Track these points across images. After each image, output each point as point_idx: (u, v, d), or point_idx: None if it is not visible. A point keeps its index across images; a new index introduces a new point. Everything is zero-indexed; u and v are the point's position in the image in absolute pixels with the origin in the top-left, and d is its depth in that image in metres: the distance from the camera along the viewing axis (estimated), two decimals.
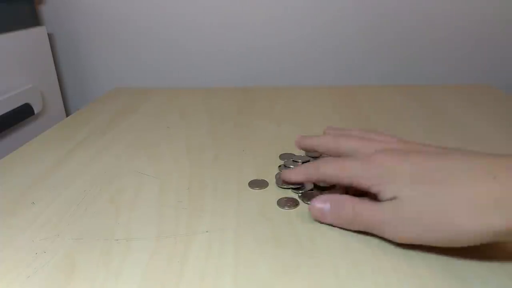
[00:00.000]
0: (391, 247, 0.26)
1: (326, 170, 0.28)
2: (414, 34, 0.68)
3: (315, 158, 0.39)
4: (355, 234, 0.28)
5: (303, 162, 0.37)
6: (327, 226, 0.28)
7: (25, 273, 0.25)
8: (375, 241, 0.27)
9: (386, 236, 0.26)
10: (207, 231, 0.29)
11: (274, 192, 0.33)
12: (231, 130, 0.47)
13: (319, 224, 0.29)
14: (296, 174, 0.31)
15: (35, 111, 0.62)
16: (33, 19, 0.66)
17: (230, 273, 0.25)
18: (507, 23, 0.66)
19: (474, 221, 0.22)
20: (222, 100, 0.59)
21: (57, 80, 0.70)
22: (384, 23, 0.68)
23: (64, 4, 0.72)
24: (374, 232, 0.26)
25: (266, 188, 0.34)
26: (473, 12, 0.66)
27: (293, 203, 0.31)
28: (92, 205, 0.33)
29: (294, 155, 0.40)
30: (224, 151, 0.42)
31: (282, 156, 0.39)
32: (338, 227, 0.28)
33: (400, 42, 0.69)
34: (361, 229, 0.27)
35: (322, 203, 0.28)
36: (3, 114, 0.55)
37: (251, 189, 0.34)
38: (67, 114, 0.76)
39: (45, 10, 0.73)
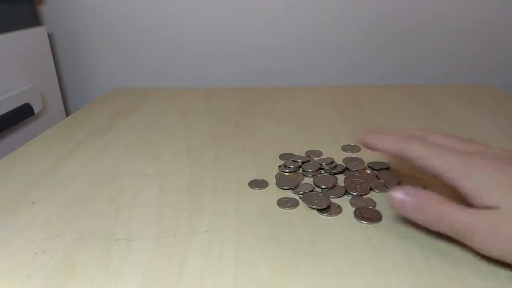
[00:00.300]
0: (391, 247, 0.26)
1: (421, 151, 0.25)
2: (414, 34, 0.68)
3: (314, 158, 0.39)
4: (355, 234, 0.28)
5: (303, 163, 0.37)
6: (327, 226, 0.28)
7: (25, 273, 0.25)
8: (375, 241, 0.27)
9: (475, 246, 0.23)
10: (207, 231, 0.29)
11: (274, 192, 0.33)
12: (231, 130, 0.47)
13: (319, 224, 0.29)
14: (385, 142, 0.27)
15: (35, 111, 0.62)
16: (33, 19, 0.66)
17: (230, 273, 0.24)
18: (508, 22, 0.66)
19: None
20: (222, 100, 0.59)
21: (57, 80, 0.70)
22: (384, 23, 0.68)
23: (64, 4, 0.72)
24: (460, 238, 0.23)
25: (266, 188, 0.34)
26: (474, 12, 0.66)
27: (293, 203, 0.31)
28: (92, 205, 0.33)
29: (294, 155, 0.40)
30: (224, 151, 0.42)
31: (282, 156, 0.39)
32: (421, 224, 0.25)
33: (400, 42, 0.69)
34: (446, 232, 0.24)
35: (404, 195, 0.24)
36: (3, 114, 0.55)
37: (251, 189, 0.34)
38: (67, 114, 0.76)
39: (45, 10, 0.73)
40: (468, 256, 0.25)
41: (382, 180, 0.34)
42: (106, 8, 0.72)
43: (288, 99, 0.58)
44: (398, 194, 0.25)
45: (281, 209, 0.31)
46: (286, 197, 0.32)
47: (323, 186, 0.33)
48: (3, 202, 0.34)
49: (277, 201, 0.32)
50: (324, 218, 0.30)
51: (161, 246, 0.27)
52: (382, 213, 0.30)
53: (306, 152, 0.40)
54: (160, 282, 0.24)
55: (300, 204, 0.31)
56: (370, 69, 0.71)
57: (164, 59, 0.74)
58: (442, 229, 0.24)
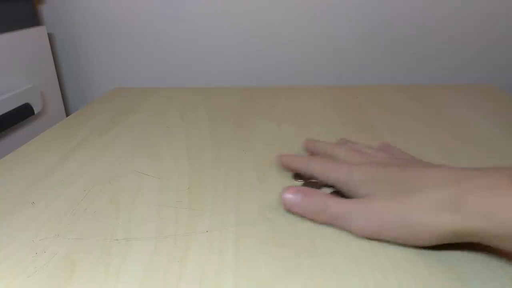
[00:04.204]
0: (392, 247, 0.26)
1: (315, 167, 0.32)
2: (414, 33, 0.68)
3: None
4: (354, 234, 0.28)
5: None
6: (327, 226, 0.29)
7: (25, 273, 0.25)
8: (375, 241, 0.27)
9: (351, 228, 0.27)
10: (207, 231, 0.29)
11: (274, 192, 0.33)
12: (231, 130, 0.47)
13: (319, 224, 0.29)
14: (290, 161, 0.34)
15: (35, 111, 0.62)
16: (33, 19, 0.66)
17: (230, 273, 0.25)
18: (511, 22, 0.66)
19: (430, 220, 0.24)
20: (222, 100, 0.59)
21: (57, 80, 0.70)
22: (384, 23, 0.68)
23: (64, 4, 0.72)
24: (340, 223, 0.28)
25: (268, 187, 0.34)
26: (475, 11, 0.66)
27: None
28: (92, 205, 0.33)
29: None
30: (224, 151, 0.42)
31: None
32: (308, 220, 0.29)
33: (401, 42, 0.69)
34: (329, 220, 0.28)
35: (293, 193, 0.29)
36: (3, 114, 0.55)
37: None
38: (67, 114, 0.76)
39: (45, 10, 0.73)
40: (468, 256, 0.25)
41: None
42: (106, 8, 0.72)
43: (288, 99, 0.58)
44: (288, 193, 0.30)
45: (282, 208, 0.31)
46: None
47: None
48: (3, 202, 0.34)
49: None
50: None
51: (161, 246, 0.27)
52: None
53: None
54: (160, 282, 0.24)
55: None
56: (370, 69, 0.71)
57: (164, 59, 0.74)
58: (326, 218, 0.28)
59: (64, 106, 0.73)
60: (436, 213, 0.24)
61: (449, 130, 0.45)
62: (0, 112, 0.55)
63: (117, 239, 0.28)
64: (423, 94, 0.58)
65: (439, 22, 0.67)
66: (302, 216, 0.29)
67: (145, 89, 0.66)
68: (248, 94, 0.61)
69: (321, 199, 0.29)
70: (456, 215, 0.23)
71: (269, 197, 0.33)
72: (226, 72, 0.74)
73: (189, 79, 0.75)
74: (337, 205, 0.28)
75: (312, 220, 0.29)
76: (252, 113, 0.53)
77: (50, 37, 0.74)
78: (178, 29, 0.72)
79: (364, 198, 0.28)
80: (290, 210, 0.30)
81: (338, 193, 0.31)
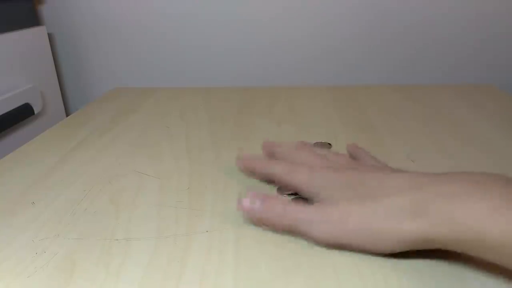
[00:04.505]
0: None
1: (275, 170, 0.31)
2: (414, 33, 0.68)
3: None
4: None
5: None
6: None
7: (25, 273, 0.25)
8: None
9: (312, 235, 0.26)
10: (207, 231, 0.29)
11: (274, 192, 0.33)
12: (231, 130, 0.47)
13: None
14: (250, 162, 0.33)
15: (35, 111, 0.62)
16: (33, 19, 0.66)
17: (230, 273, 0.25)
18: (511, 22, 0.66)
19: (391, 227, 0.24)
20: (222, 100, 0.59)
21: (57, 80, 0.70)
22: (384, 22, 0.68)
23: (64, 4, 0.72)
24: (301, 230, 0.27)
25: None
26: (475, 12, 0.66)
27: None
28: (92, 205, 0.33)
29: None
30: (224, 151, 0.42)
31: None
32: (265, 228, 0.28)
33: (401, 41, 0.69)
34: (288, 227, 0.27)
35: (252, 199, 0.28)
36: (3, 114, 0.55)
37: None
38: (67, 114, 0.76)
39: (45, 10, 0.73)
40: (467, 257, 0.25)
41: None
42: (106, 8, 0.72)
43: (288, 99, 0.58)
44: (244, 201, 0.28)
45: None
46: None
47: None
48: (3, 202, 0.34)
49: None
50: None
51: (161, 246, 0.27)
52: None
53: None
54: (160, 282, 0.24)
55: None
56: (370, 69, 0.71)
57: (164, 59, 0.74)
58: (286, 224, 0.27)
59: (64, 106, 0.73)
60: (398, 220, 0.23)
61: (449, 130, 0.45)
62: (0, 112, 0.55)
63: (117, 239, 0.28)
64: (423, 94, 0.58)
65: (439, 22, 0.67)
66: (262, 224, 0.28)
67: (145, 89, 0.66)
68: (248, 94, 0.61)
69: (281, 205, 0.27)
70: (418, 221, 0.23)
71: None
72: (226, 72, 0.74)
73: (189, 79, 0.75)
74: (297, 211, 0.27)
75: (273, 228, 0.28)
76: (252, 113, 0.53)
77: (50, 37, 0.74)
78: (178, 29, 0.72)
79: (325, 204, 0.27)
80: (249, 217, 0.29)
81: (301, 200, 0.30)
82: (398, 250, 0.24)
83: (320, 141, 0.43)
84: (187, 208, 0.31)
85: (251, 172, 0.34)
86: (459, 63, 0.70)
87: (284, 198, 0.29)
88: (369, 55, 0.71)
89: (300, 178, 0.29)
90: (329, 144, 0.42)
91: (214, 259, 0.26)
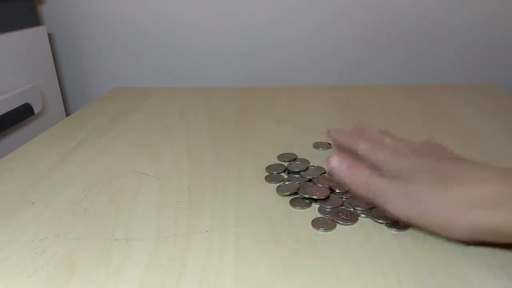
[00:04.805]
0: (392, 247, 0.26)
1: (362, 145, 0.32)
2: (415, 33, 0.68)
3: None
4: (355, 234, 0.28)
5: (300, 171, 0.36)
6: (327, 227, 0.28)
7: (25, 273, 0.25)
8: (375, 241, 0.27)
9: (388, 206, 0.27)
10: (207, 231, 0.29)
11: (274, 192, 0.33)
12: (231, 130, 0.47)
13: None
14: (340, 136, 0.35)
15: (35, 111, 0.62)
16: (33, 19, 0.66)
17: (230, 273, 0.25)
18: (511, 22, 0.66)
19: (464, 216, 0.24)
20: (222, 100, 0.59)
21: (57, 80, 0.70)
22: (385, 22, 0.68)
23: (64, 4, 0.72)
24: (379, 200, 0.27)
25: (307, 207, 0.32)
26: (475, 12, 0.66)
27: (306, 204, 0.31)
28: (92, 205, 0.33)
29: (294, 154, 0.39)
30: (224, 151, 0.42)
31: (280, 157, 0.39)
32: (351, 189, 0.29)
33: (401, 41, 0.69)
34: (368, 193, 0.28)
35: (341, 158, 0.30)
36: (3, 114, 0.55)
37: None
38: (67, 114, 0.76)
39: (45, 10, 0.73)
40: (468, 256, 0.25)
41: None
42: (106, 9, 0.72)
43: (288, 99, 0.58)
44: (334, 157, 0.30)
45: (292, 208, 0.31)
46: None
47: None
48: (3, 202, 0.34)
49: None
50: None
51: (161, 246, 0.27)
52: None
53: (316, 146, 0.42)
54: (160, 282, 0.24)
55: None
56: (370, 69, 0.71)
57: (164, 59, 0.74)
58: (367, 190, 0.28)
59: (64, 106, 0.73)
60: (473, 209, 0.24)
61: (449, 130, 0.45)
62: (0, 112, 0.55)
63: (117, 239, 0.28)
64: (423, 94, 0.58)
65: (439, 22, 0.67)
66: (346, 184, 0.30)
67: (145, 89, 0.66)
68: (248, 94, 0.61)
69: (365, 173, 0.29)
70: (494, 213, 0.23)
71: (269, 197, 0.33)
72: (226, 72, 0.74)
73: (189, 79, 0.75)
74: (379, 181, 0.28)
75: (352, 189, 0.29)
76: (252, 113, 0.53)
77: (50, 37, 0.74)
78: (178, 29, 0.72)
79: (407, 182, 0.27)
80: (335, 172, 0.30)
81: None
82: (467, 239, 0.25)
83: (320, 141, 0.43)
84: (187, 208, 0.31)
85: (338, 143, 0.36)
86: (460, 63, 0.70)
87: (367, 168, 0.29)
88: (370, 55, 0.70)
89: (384, 155, 0.30)
90: (329, 144, 0.42)
91: (214, 259, 0.26)
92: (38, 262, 0.26)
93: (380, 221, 0.29)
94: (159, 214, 0.31)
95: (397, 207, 0.27)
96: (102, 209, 0.32)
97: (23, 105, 0.59)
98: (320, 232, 0.28)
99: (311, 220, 0.29)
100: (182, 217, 0.30)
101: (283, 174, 0.36)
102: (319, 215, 0.30)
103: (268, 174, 0.36)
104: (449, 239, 0.26)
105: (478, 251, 0.26)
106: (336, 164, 0.30)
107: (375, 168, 0.30)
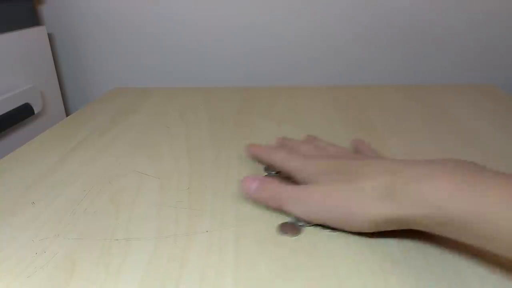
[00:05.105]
0: (392, 248, 0.26)
1: (276, 158, 0.34)
2: (415, 33, 0.68)
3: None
4: (355, 234, 0.28)
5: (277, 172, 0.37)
6: (326, 227, 0.28)
7: (25, 273, 0.25)
8: (375, 241, 0.27)
9: (296, 212, 0.29)
10: (207, 231, 0.29)
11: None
12: (231, 130, 0.47)
13: (319, 224, 0.29)
14: (257, 150, 0.37)
15: (35, 111, 0.62)
16: (33, 19, 0.66)
17: (230, 273, 0.25)
18: (511, 22, 0.66)
19: (367, 207, 0.26)
20: (222, 100, 0.59)
21: (57, 80, 0.70)
22: (385, 22, 0.68)
23: (64, 4, 0.72)
24: (287, 208, 0.29)
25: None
26: (475, 12, 0.66)
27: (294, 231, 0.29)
28: (92, 205, 0.33)
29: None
30: (224, 151, 0.42)
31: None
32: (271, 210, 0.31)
33: (401, 41, 0.69)
34: (278, 206, 0.30)
35: (250, 181, 0.31)
36: (3, 114, 0.55)
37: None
38: (67, 114, 0.76)
39: (45, 10, 0.73)
40: (468, 256, 0.25)
41: None
42: (106, 9, 0.72)
43: (288, 99, 0.58)
44: (245, 181, 0.32)
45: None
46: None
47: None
48: (3, 202, 0.34)
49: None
50: None
51: (161, 246, 0.27)
52: None
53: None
54: (160, 282, 0.24)
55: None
56: (370, 69, 0.71)
57: (164, 59, 0.74)
58: (276, 203, 0.30)
59: (64, 106, 0.73)
60: (374, 200, 0.25)
61: (450, 130, 0.45)
62: (0, 112, 0.55)
63: (117, 239, 0.28)
64: (423, 94, 0.58)
65: (439, 22, 0.67)
66: (258, 202, 0.31)
67: (145, 89, 0.66)
68: (248, 94, 0.61)
69: (273, 187, 0.30)
70: (393, 202, 0.24)
71: None
72: (226, 72, 0.74)
73: (189, 79, 0.75)
74: (285, 191, 0.30)
75: (267, 206, 0.31)
76: (252, 113, 0.53)
77: (50, 37, 0.74)
78: (178, 29, 0.72)
79: (311, 185, 0.29)
80: (247, 196, 0.32)
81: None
82: (369, 230, 0.26)
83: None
84: (187, 208, 0.31)
85: (255, 158, 0.38)
86: (460, 63, 0.70)
87: (277, 180, 0.31)
88: (370, 55, 0.71)
89: (294, 165, 0.32)
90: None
91: (214, 259, 0.26)
92: (38, 262, 0.26)
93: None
94: (159, 214, 0.31)
95: (304, 209, 0.28)
96: (102, 209, 0.32)
97: (23, 105, 0.59)
98: (298, 236, 0.28)
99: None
100: (182, 217, 0.30)
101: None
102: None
103: (266, 174, 0.36)
104: (353, 231, 0.27)
105: (478, 251, 0.26)
106: (246, 187, 0.31)
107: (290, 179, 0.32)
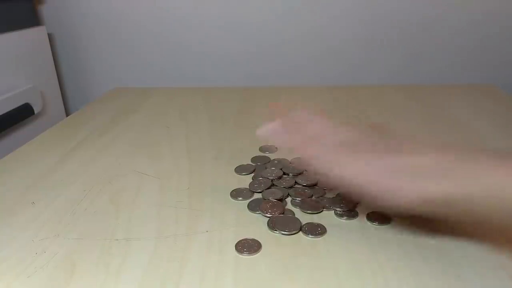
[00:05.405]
0: (392, 247, 0.26)
1: (291, 145, 0.31)
2: (415, 33, 0.68)
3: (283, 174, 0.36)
4: (355, 234, 0.28)
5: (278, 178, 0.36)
6: (327, 227, 0.28)
7: (25, 273, 0.25)
8: (375, 240, 0.27)
9: (332, 174, 0.27)
10: (207, 231, 0.29)
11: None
12: (231, 130, 0.47)
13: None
14: (270, 137, 0.34)
15: (35, 111, 0.62)
16: (33, 19, 0.66)
17: (230, 273, 0.25)
18: (511, 22, 0.66)
19: (412, 184, 0.24)
20: (222, 100, 0.59)
21: (57, 80, 0.70)
22: (384, 22, 0.68)
23: (64, 4, 0.72)
24: (321, 166, 0.27)
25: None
26: (475, 12, 0.66)
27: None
28: (92, 205, 0.33)
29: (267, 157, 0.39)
30: (224, 151, 0.42)
31: (254, 159, 0.39)
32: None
33: (401, 41, 0.69)
34: (309, 158, 0.28)
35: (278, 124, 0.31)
36: (3, 114, 0.55)
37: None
38: (67, 114, 0.76)
39: (45, 10, 0.73)
40: (468, 256, 0.25)
41: None
42: (106, 8, 0.72)
43: (288, 99, 0.58)
44: (270, 125, 0.31)
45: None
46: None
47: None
48: (3, 202, 0.34)
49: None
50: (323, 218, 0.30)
51: (161, 246, 0.27)
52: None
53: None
54: (160, 282, 0.24)
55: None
56: (370, 69, 0.71)
57: (164, 59, 0.74)
58: (304, 155, 0.29)
59: (64, 106, 0.73)
60: (422, 178, 0.24)
61: (450, 129, 0.45)
62: (0, 112, 0.54)
63: (117, 239, 0.28)
64: (423, 94, 0.58)
65: (439, 22, 0.67)
66: (280, 145, 0.30)
67: (145, 89, 0.66)
68: (248, 94, 0.61)
69: (305, 136, 0.29)
70: (442, 181, 0.24)
71: None
72: (226, 72, 0.74)
73: (189, 79, 0.75)
74: (321, 147, 0.28)
75: (294, 148, 0.30)
76: (252, 113, 0.53)
77: (50, 37, 0.74)
78: (178, 29, 0.72)
79: (354, 150, 0.27)
80: (264, 138, 0.31)
81: None
82: (415, 206, 0.25)
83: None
84: (187, 208, 0.31)
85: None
86: (460, 63, 0.70)
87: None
88: (370, 55, 0.70)
89: (326, 123, 0.30)
90: None
91: (214, 259, 0.26)
92: (38, 262, 0.26)
93: (337, 209, 0.30)
94: (159, 214, 0.31)
95: (344, 174, 0.26)
96: (102, 209, 0.32)
97: (23, 105, 0.59)
98: (298, 236, 0.28)
99: (311, 221, 0.29)
100: (182, 217, 0.30)
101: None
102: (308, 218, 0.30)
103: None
104: (396, 206, 0.25)
105: (478, 251, 0.26)
106: (272, 127, 0.31)
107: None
